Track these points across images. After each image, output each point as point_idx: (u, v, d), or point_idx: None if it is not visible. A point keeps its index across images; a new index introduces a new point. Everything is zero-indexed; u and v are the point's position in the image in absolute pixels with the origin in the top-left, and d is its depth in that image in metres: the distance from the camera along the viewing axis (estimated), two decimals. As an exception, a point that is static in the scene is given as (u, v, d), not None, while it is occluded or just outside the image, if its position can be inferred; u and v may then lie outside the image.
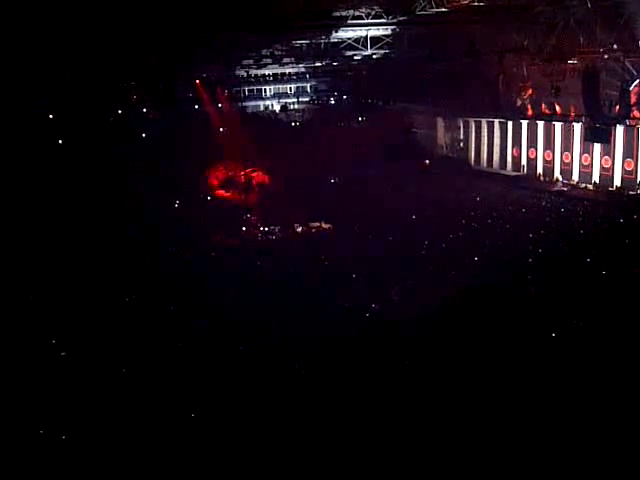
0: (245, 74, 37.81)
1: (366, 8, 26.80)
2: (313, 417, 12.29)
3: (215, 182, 35.86)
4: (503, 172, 39.68)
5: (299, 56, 34.39)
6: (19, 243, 23.24)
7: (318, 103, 43.48)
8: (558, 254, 21.58)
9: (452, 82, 35.62)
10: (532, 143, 37.87)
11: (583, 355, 13.98)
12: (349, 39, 31.19)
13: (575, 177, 34.91)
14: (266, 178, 36.60)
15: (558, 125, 35.51)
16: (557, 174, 36.00)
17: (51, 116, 29.72)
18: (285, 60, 34.83)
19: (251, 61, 34.28)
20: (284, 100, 42.82)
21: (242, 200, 34.19)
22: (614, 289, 17.81)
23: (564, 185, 34.92)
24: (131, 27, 22.57)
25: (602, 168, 33.32)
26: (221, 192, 35.58)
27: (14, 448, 11.56)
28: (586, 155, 34.15)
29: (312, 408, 12.59)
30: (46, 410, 12.87)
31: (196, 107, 36.81)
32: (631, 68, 27.97)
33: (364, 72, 39.42)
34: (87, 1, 20.31)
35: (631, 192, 31.06)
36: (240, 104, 41.32)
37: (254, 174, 36.32)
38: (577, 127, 34.02)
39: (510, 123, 38.98)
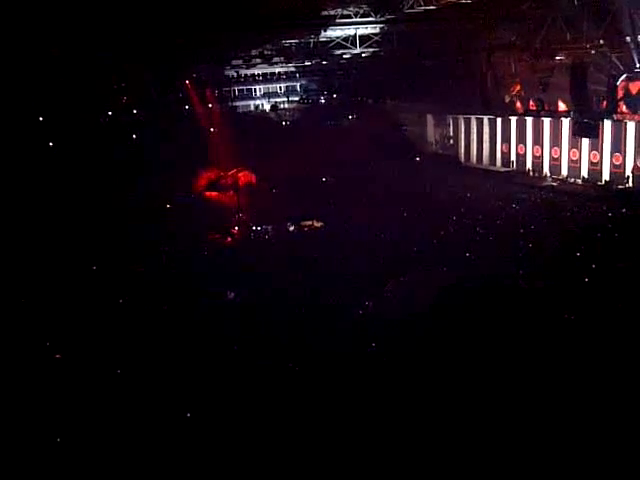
0: (235, 74, 37.90)
1: (354, 7, 26.91)
2: (308, 416, 12.36)
3: (202, 183, 35.81)
4: (493, 168, 39.89)
5: (288, 55, 34.46)
6: (11, 246, 23.17)
7: (308, 102, 43.53)
8: (548, 248, 21.76)
9: (441, 79, 35.79)
10: (521, 139, 38.10)
11: (575, 348, 14.13)
12: (338, 38, 31.30)
13: (564, 172, 35.15)
14: (253, 178, 36.58)
15: (546, 121, 35.76)
16: (546, 169, 36.25)
17: (41, 118, 29.65)
18: (275, 59, 34.89)
19: (240, 61, 34.33)
20: (274, 99, 42.86)
21: (229, 201, 34.18)
22: (604, 282, 18.00)
23: (553, 180, 35.17)
24: (121, 28, 22.58)
25: (591, 163, 33.58)
26: (208, 193, 35.53)
27: (9, 450, 11.57)
28: (575, 150, 34.40)
29: (307, 406, 12.66)
30: (40, 412, 12.87)
31: (186, 107, 36.80)
32: (618, 63, 28.18)
33: (354, 71, 39.54)
34: (76, 2, 20.30)
35: (619, 186, 31.34)
36: (230, 104, 41.35)
37: (240, 174, 36.30)
38: (565, 122, 34.27)
39: (499, 119, 39.20)
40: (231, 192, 34.80)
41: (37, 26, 21.36)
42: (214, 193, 35.51)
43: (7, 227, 24.39)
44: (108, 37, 23.46)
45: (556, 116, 34.28)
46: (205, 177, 35.99)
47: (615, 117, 30.43)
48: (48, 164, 29.12)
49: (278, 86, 43.16)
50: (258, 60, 33.78)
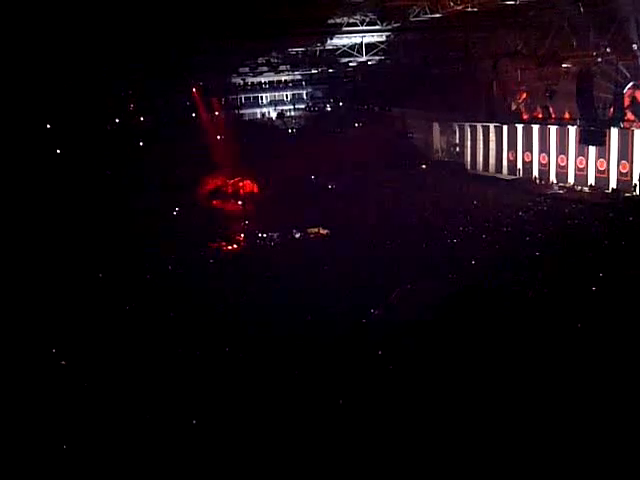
0: (241, 82, 38.08)
1: (361, 15, 27.05)
2: (313, 422, 12.34)
3: (206, 191, 35.88)
4: (499, 176, 39.84)
5: (295, 63, 34.62)
6: (18, 252, 23.27)
7: (314, 110, 43.67)
8: (555, 256, 21.67)
9: (447, 87, 35.85)
10: (527, 147, 38.05)
11: (581, 357, 14.05)
12: (344, 46, 31.44)
13: (571, 180, 35.08)
14: (255, 187, 36.62)
15: (553, 128, 35.71)
16: (553, 177, 36.17)
17: (48, 126, 29.83)
18: (281, 68, 35.06)
19: (247, 69, 34.52)
20: (280, 107, 43.02)
21: (235, 208, 34.23)
22: (611, 291, 17.91)
23: (560, 188, 35.09)
24: (128, 36, 22.73)
25: (597, 170, 33.50)
26: (210, 202, 35.54)
27: (15, 456, 11.58)
28: (581, 158, 34.32)
29: (312, 413, 12.64)
30: (46, 419, 12.89)
31: (193, 115, 36.97)
32: (625, 71, 28.16)
33: (360, 78, 39.66)
34: (83, 10, 20.45)
35: (627, 194, 31.23)
36: (236, 111, 41.55)
37: (241, 183, 36.37)
38: (572, 130, 34.22)
39: (505, 127, 39.18)
40: (232, 200, 34.92)
41: (44, 33, 21.54)
42: (217, 201, 35.56)
43: (15, 233, 24.51)
44: (115, 44, 23.61)
45: (563, 124, 34.25)
46: (209, 184, 36.07)
47: (622, 125, 30.37)
48: (55, 171, 29.25)
49: (284, 94, 43.35)
50: (265, 68, 33.96)
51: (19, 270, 21.91)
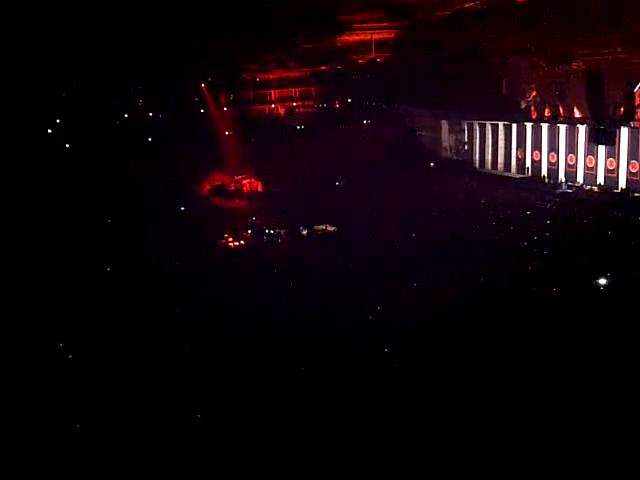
0: (250, 78, 38.14)
1: (370, 12, 27.04)
2: (318, 419, 12.36)
3: (210, 188, 35.88)
4: (507, 174, 39.64)
5: (304, 60, 34.62)
6: (26, 247, 23.40)
7: (323, 106, 43.62)
8: (562, 255, 21.60)
9: (456, 85, 35.74)
10: (536, 145, 37.82)
11: (587, 356, 14.03)
12: (353, 43, 31.43)
13: (580, 179, 34.89)
14: (259, 186, 36.62)
15: (562, 127, 35.49)
16: (562, 176, 36.00)
17: (58, 120, 29.98)
18: (290, 64, 35.09)
19: (256, 66, 34.58)
20: (289, 103, 43.01)
21: (242, 205, 34.26)
22: (618, 291, 17.85)
23: (569, 187, 34.92)
24: (138, 33, 22.80)
25: (607, 170, 33.29)
26: (213, 199, 35.54)
27: (21, 450, 11.67)
28: (591, 157, 34.11)
29: (317, 410, 12.67)
30: (53, 412, 12.97)
31: (202, 111, 37.04)
32: (636, 70, 28.03)
33: (368, 76, 39.59)
34: (93, 8, 20.54)
35: (636, 194, 31.05)
36: (245, 108, 41.56)
37: (245, 182, 36.35)
38: (582, 129, 34.00)
39: (514, 125, 38.94)
40: (237, 197, 34.94)
41: (54, 32, 21.64)
42: (222, 198, 35.56)
43: (22, 227, 24.65)
44: (125, 40, 23.68)
45: (572, 123, 34.06)
46: (215, 181, 36.07)
47: (632, 124, 30.19)
48: (64, 165, 29.38)
49: (293, 90, 43.32)
50: (274, 64, 34.01)
51: (27, 265, 22.05)
